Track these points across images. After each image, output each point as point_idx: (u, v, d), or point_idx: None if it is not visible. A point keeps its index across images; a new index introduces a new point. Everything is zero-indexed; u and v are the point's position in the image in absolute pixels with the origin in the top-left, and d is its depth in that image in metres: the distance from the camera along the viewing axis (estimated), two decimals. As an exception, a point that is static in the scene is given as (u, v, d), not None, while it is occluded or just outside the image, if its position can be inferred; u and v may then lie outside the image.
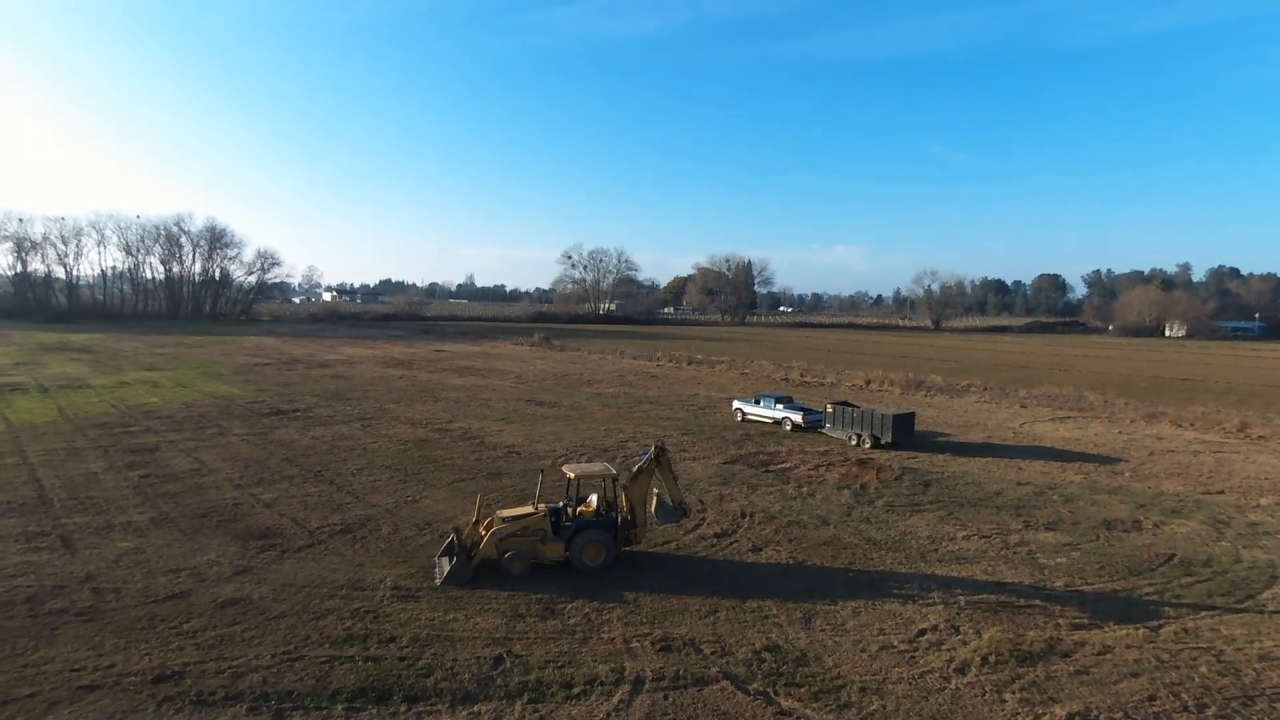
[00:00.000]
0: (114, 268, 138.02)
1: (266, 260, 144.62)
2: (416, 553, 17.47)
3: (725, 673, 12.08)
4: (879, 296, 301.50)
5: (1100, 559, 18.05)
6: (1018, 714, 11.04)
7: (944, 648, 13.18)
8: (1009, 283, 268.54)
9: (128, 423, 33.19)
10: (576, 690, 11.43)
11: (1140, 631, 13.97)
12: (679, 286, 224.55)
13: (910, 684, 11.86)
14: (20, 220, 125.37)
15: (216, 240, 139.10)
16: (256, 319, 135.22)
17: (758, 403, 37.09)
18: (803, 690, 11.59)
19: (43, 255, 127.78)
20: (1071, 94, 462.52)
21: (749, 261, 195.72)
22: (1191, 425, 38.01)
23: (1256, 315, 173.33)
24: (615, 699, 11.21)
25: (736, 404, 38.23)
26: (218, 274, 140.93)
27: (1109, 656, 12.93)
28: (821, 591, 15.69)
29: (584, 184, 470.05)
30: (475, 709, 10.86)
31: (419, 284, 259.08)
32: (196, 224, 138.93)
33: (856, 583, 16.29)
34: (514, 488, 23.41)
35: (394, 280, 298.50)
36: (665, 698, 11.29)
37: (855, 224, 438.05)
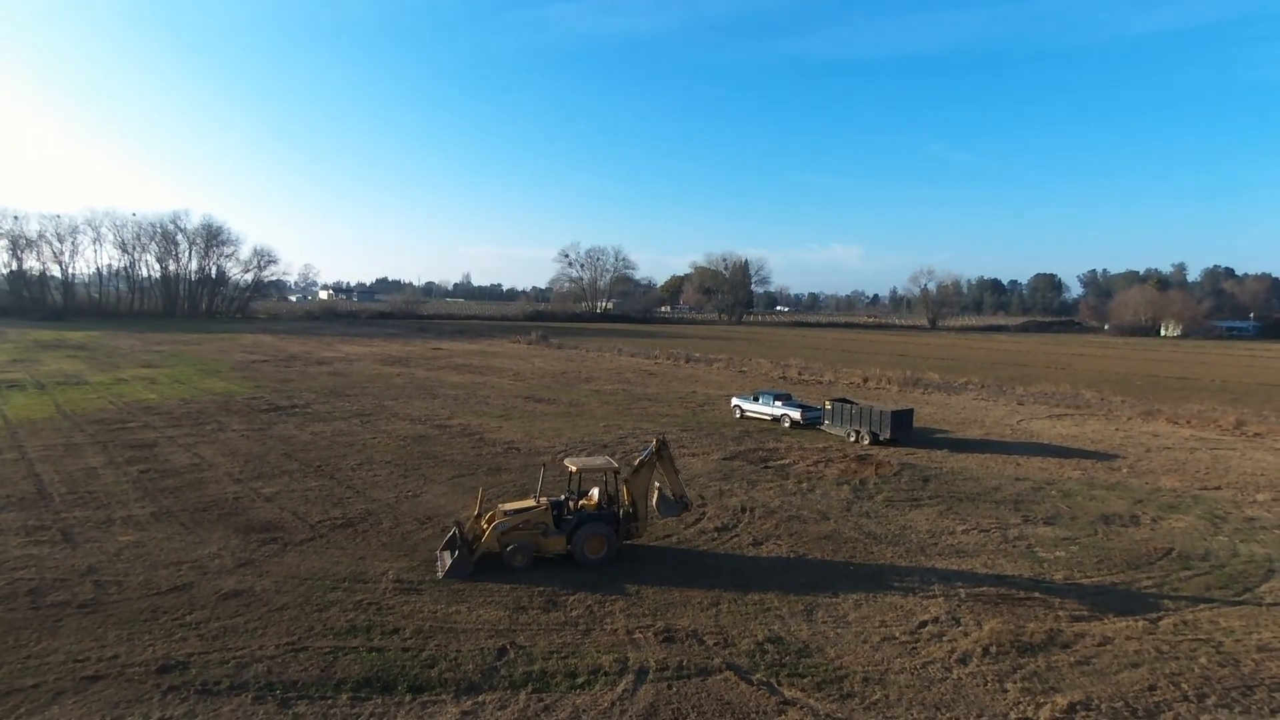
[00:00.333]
0: (110, 265, 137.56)
1: (263, 258, 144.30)
2: (418, 546, 17.49)
3: (728, 663, 12.14)
4: (875, 296, 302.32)
5: (1099, 553, 18.15)
6: (1019, 703, 11.12)
7: (945, 639, 13.25)
8: (1005, 282, 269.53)
9: (126, 419, 33.12)
10: (580, 680, 11.48)
11: (1140, 623, 14.06)
12: (676, 285, 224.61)
13: (912, 674, 11.93)
14: (15, 218, 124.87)
15: (213, 238, 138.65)
16: (253, 317, 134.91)
17: (756, 400, 37.14)
18: (806, 680, 11.65)
19: (38, 253, 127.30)
20: (1069, 94, 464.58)
21: (746, 261, 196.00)
22: (1188, 423, 38.20)
23: (1251, 315, 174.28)
24: (619, 688, 11.26)
25: (735, 401, 38.27)
26: (214, 272, 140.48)
27: (1109, 647, 13.01)
28: (823, 584, 15.75)
29: (581, 183, 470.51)
30: (480, 698, 10.89)
31: (415, 283, 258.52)
32: (193, 222, 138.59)
33: (857, 576, 16.35)
34: (514, 483, 23.43)
35: (390, 279, 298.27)
36: (669, 687, 11.34)
37: (852, 223, 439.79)
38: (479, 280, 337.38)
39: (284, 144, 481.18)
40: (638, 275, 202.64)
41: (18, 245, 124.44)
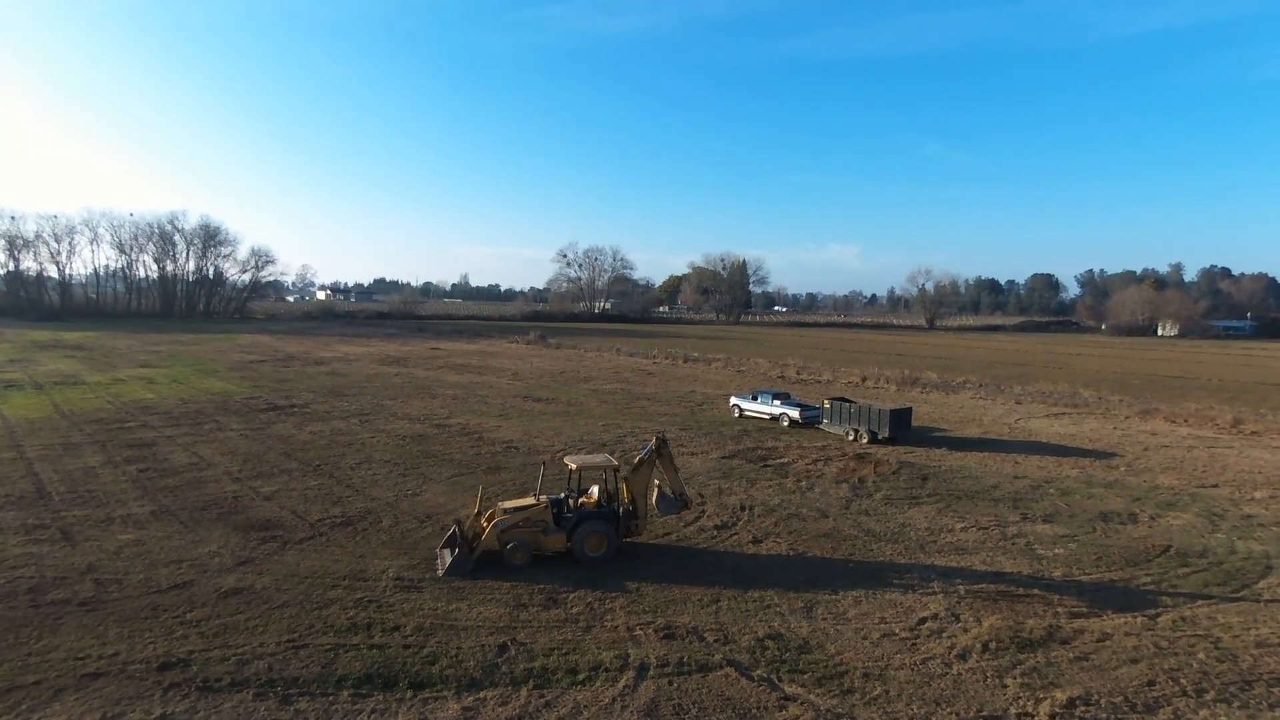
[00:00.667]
0: (107, 266, 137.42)
1: (260, 258, 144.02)
2: (418, 544, 17.49)
3: (729, 660, 12.16)
4: (873, 295, 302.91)
5: (1097, 550, 18.20)
6: (1019, 698, 11.15)
7: (945, 635, 13.29)
8: (1002, 282, 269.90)
9: (124, 418, 33.07)
10: (581, 676, 11.50)
11: (1138, 620, 14.11)
12: (674, 285, 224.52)
13: (912, 670, 11.97)
14: (13, 218, 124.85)
15: (210, 238, 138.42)
16: (251, 317, 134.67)
17: (755, 399, 37.17)
18: (806, 677, 11.68)
19: (35, 253, 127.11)
20: (1066, 94, 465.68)
21: (744, 260, 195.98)
22: (1185, 421, 38.29)
23: (1248, 314, 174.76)
24: (620, 684, 11.28)
25: (734, 400, 38.30)
26: (212, 272, 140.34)
27: (1108, 643, 13.05)
28: (822, 582, 15.78)
29: (579, 183, 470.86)
30: (481, 695, 10.91)
31: (413, 283, 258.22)
32: (190, 222, 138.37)
33: (857, 573, 16.39)
34: (514, 481, 23.44)
35: (388, 279, 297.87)
36: (670, 683, 11.36)
37: (850, 223, 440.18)
38: (477, 280, 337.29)
39: (282, 144, 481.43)
40: (636, 275, 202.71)
41: (15, 245, 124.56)
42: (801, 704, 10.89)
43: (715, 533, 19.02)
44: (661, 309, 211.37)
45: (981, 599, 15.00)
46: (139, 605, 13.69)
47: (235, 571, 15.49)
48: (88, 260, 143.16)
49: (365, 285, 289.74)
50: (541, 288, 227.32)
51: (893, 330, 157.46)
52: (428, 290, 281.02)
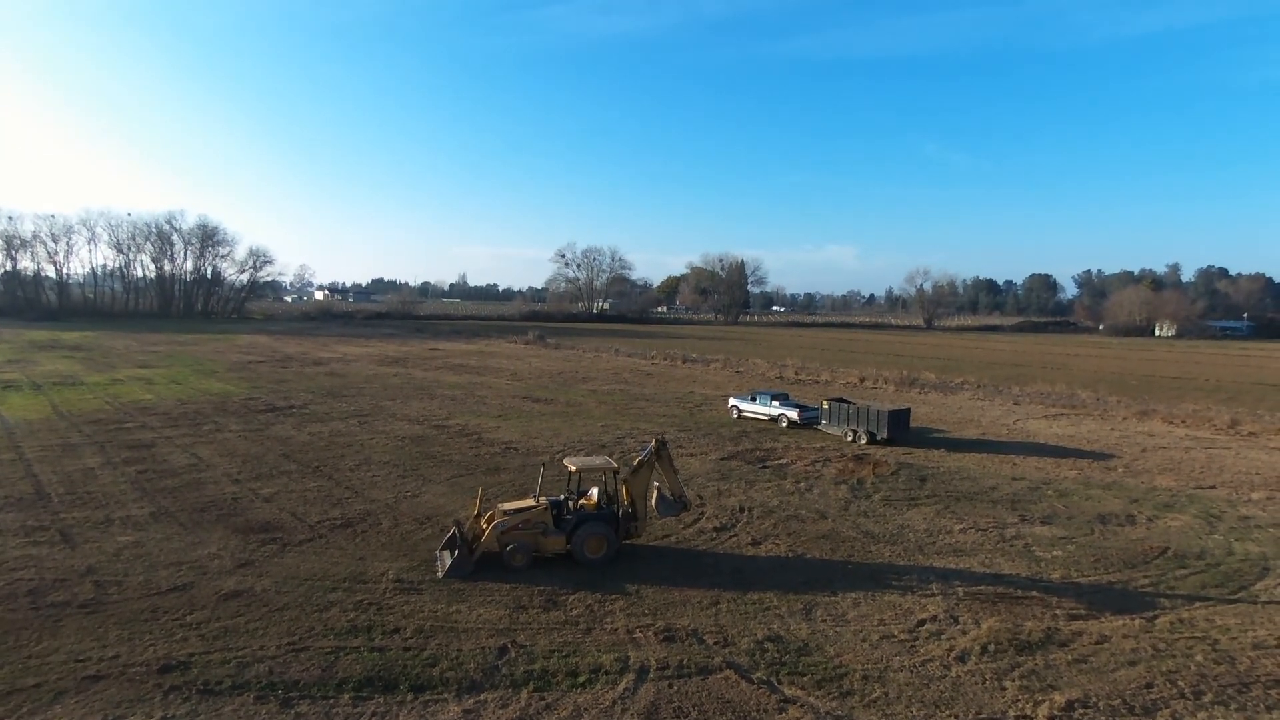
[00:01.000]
0: (105, 266, 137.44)
1: (258, 259, 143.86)
2: (418, 546, 17.51)
3: (729, 662, 12.20)
4: (871, 296, 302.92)
5: (1095, 552, 18.25)
6: (1018, 700, 11.19)
7: (944, 637, 13.33)
8: (1000, 282, 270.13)
9: (123, 419, 33.05)
10: (582, 678, 11.53)
11: (1136, 622, 14.16)
12: (672, 286, 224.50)
13: (911, 672, 12.01)
14: (10, 218, 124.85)
15: (208, 238, 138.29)
16: (249, 317, 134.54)
17: (754, 400, 37.21)
18: (806, 679, 11.72)
19: (32, 253, 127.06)
20: (1064, 95, 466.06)
21: (742, 261, 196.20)
22: (1183, 422, 38.39)
23: (1245, 315, 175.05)
24: (620, 687, 11.31)
25: (733, 401, 38.34)
26: (209, 272, 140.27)
27: (1106, 646, 13.10)
28: (821, 583, 15.82)
29: (578, 183, 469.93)
30: (481, 697, 10.93)
31: (411, 283, 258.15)
32: (188, 222, 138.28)
33: (856, 575, 16.43)
34: (513, 482, 23.46)
35: (386, 279, 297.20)
36: (670, 686, 11.39)
37: (848, 223, 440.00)
38: (475, 280, 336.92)
39: (280, 144, 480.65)
40: (634, 275, 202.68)
41: (12, 245, 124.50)
42: (801, 706, 10.92)
43: (714, 534, 19.05)
44: (660, 309, 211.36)
45: (980, 601, 15.05)
46: (139, 607, 13.70)
47: (235, 574, 15.50)
48: (85, 260, 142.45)
49: (363, 285, 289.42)
50: (540, 288, 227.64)
51: (891, 330, 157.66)
52: (426, 290, 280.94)
